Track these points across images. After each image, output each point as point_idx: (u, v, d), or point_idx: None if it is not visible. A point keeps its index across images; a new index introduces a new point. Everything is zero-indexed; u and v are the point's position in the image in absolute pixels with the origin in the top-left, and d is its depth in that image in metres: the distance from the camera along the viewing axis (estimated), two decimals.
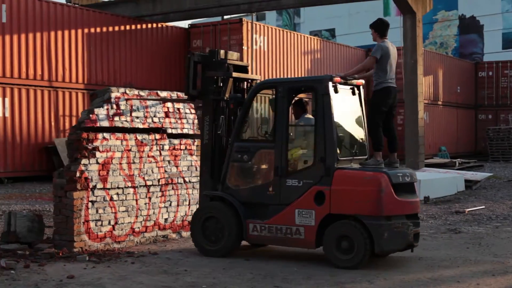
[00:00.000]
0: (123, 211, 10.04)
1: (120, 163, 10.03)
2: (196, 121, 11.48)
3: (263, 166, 9.43)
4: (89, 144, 9.58)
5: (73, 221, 9.31)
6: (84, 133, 9.59)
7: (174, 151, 10.94)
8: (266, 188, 9.19)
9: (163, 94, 11.08)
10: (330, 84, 8.93)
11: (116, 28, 23.49)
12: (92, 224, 9.54)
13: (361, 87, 9.55)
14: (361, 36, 43.25)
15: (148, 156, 10.51)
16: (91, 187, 9.53)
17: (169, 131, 10.98)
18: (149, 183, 10.47)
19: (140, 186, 10.32)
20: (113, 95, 10.09)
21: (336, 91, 8.98)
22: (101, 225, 9.69)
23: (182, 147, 11.09)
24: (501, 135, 34.32)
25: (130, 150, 10.20)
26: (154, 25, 25.08)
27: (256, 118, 9.86)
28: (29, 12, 20.49)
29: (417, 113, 23.05)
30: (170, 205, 10.82)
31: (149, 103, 10.72)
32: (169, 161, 10.87)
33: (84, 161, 9.49)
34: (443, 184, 18.57)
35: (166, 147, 10.85)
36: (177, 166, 10.97)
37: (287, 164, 9.09)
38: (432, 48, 44.38)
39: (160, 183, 10.67)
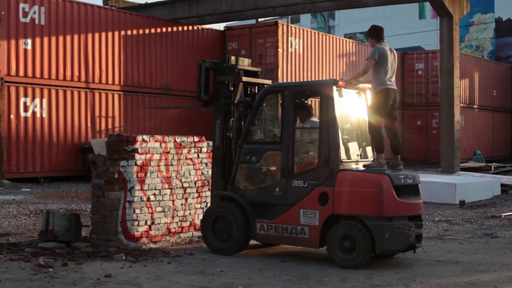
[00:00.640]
0: (160, 212, 10.13)
1: (158, 165, 10.13)
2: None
3: (271, 168, 9.65)
4: (129, 146, 9.69)
5: (110, 220, 9.42)
6: (124, 135, 9.72)
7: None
8: (273, 188, 9.44)
9: None
10: (335, 88, 9.15)
11: (152, 31, 23.64)
12: (129, 224, 9.64)
13: (368, 91, 9.62)
14: (396, 39, 43.02)
15: (186, 159, 10.61)
16: (128, 188, 9.63)
17: None
18: (185, 185, 10.56)
19: (177, 187, 10.41)
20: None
21: (340, 95, 9.18)
22: (138, 225, 9.78)
23: None
24: None
25: (168, 152, 10.31)
26: (190, 27, 25.19)
27: (265, 120, 10.06)
28: (67, 14, 20.71)
29: (453, 116, 22.89)
30: (206, 206, 10.87)
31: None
32: (206, 164, 10.95)
33: (123, 162, 9.61)
34: (478, 188, 18.44)
35: (204, 149, 10.94)
36: None
37: (293, 166, 9.28)
38: (468, 51, 44.01)
39: (196, 185, 10.75)
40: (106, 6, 26.30)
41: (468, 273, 8.60)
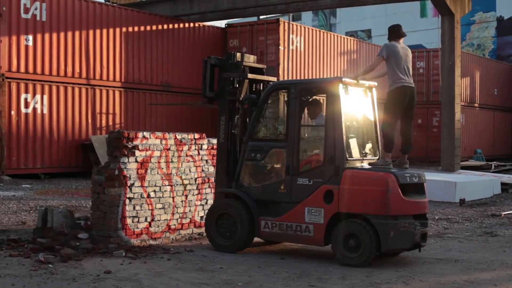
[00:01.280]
0: (160, 208, 10.14)
1: (159, 162, 10.13)
2: None
3: (276, 165, 9.65)
4: (129, 143, 9.70)
5: (111, 217, 9.44)
6: (125, 131, 9.73)
7: (213, 150, 11.02)
8: (278, 186, 9.42)
9: None
10: (341, 85, 9.12)
11: (154, 27, 23.63)
12: (129, 221, 9.65)
13: (374, 89, 9.60)
14: None
15: (187, 156, 10.61)
16: (129, 184, 9.63)
17: None
18: (186, 181, 10.56)
19: (177, 184, 10.41)
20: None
21: (346, 92, 9.15)
22: (138, 221, 9.79)
23: None
24: None
25: (169, 149, 10.31)
26: (191, 24, 25.18)
27: (270, 118, 10.05)
28: (68, 11, 20.70)
29: (453, 115, 22.88)
30: (206, 203, 10.89)
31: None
32: (206, 161, 10.95)
33: (123, 159, 9.61)
34: (479, 187, 18.45)
35: (205, 146, 10.94)
36: (214, 166, 11.04)
37: (298, 163, 9.26)
38: (469, 50, 43.98)
39: (196, 182, 10.75)
40: (107, 2, 26.27)
41: (468, 272, 8.60)
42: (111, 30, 22.01)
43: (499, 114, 36.90)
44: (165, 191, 10.23)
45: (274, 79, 10.89)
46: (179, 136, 10.52)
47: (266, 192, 9.56)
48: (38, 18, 19.84)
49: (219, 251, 9.57)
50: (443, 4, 22.67)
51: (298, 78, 25.06)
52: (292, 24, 25.67)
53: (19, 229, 11.07)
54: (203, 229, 10.78)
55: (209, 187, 10.94)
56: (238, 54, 10.37)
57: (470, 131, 33.05)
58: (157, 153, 10.10)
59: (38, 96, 19.75)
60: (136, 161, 9.78)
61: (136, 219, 9.75)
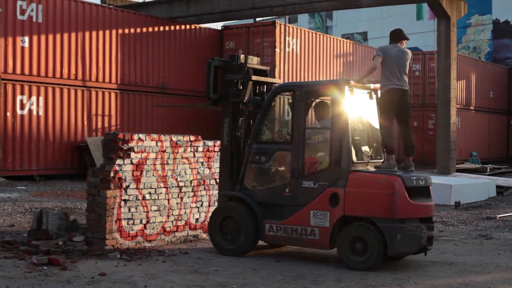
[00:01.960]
0: (155, 211, 10.13)
1: (154, 164, 10.12)
2: None
3: (280, 168, 9.58)
4: (125, 145, 9.68)
5: (106, 219, 9.41)
6: (121, 133, 9.71)
7: (208, 152, 11.02)
8: (283, 189, 9.33)
9: None
10: (347, 87, 9.06)
11: (150, 29, 23.65)
12: (124, 223, 9.64)
13: (378, 91, 9.59)
14: None
15: (182, 158, 10.60)
16: (124, 186, 9.63)
17: None
18: (181, 184, 10.55)
19: (173, 186, 10.40)
20: None
21: (352, 94, 9.09)
22: (133, 223, 9.78)
23: (216, 149, 11.16)
24: None
25: (164, 151, 10.30)
26: (188, 26, 25.20)
27: (275, 120, 9.95)
28: (65, 12, 20.72)
29: (449, 118, 22.92)
30: (202, 205, 10.89)
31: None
32: (202, 163, 10.95)
33: (118, 161, 9.60)
34: (474, 190, 18.46)
35: (200, 148, 10.93)
36: (209, 168, 11.05)
37: (304, 166, 9.20)
38: (465, 53, 44.05)
39: (192, 184, 10.75)
40: (103, 4, 26.26)
41: (462, 274, 8.61)
42: (107, 32, 22.02)
43: (494, 117, 36.96)
44: (161, 193, 10.22)
45: (278, 81, 10.81)
46: (174, 138, 10.51)
47: (270, 195, 9.46)
48: (34, 19, 19.86)
49: (223, 254, 9.47)
50: (439, 7, 22.72)
51: (294, 80, 25.07)
52: (289, 27, 25.70)
53: (14, 231, 11.06)
54: (198, 231, 10.80)
55: (204, 189, 10.94)
56: (242, 56, 10.25)
57: (466, 134, 33.10)
58: (152, 155, 10.09)
59: (34, 98, 19.76)
60: (132, 163, 9.77)
61: (131, 221, 9.74)
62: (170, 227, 10.38)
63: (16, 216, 12.73)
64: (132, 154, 9.78)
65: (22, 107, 19.51)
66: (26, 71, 19.64)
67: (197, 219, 10.81)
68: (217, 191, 11.05)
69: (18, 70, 19.47)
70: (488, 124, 36.19)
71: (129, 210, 9.72)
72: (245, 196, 9.57)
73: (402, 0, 27.01)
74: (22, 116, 19.51)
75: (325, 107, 9.93)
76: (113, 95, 22.12)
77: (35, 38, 19.90)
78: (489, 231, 12.60)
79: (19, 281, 7.53)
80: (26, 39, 19.68)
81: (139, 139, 9.91)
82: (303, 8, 25.92)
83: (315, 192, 9.01)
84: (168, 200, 10.34)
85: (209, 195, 11.02)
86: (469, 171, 25.56)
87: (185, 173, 10.65)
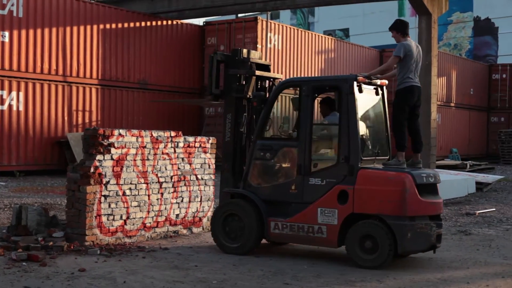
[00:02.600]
0: (135, 206, 10.11)
1: (135, 160, 10.09)
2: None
3: (286, 165, 9.39)
4: (105, 140, 9.65)
5: (86, 215, 9.38)
6: (101, 129, 9.68)
7: (189, 148, 11.00)
8: (289, 186, 9.17)
9: None
10: (355, 83, 8.91)
11: (131, 25, 23.58)
12: (104, 219, 9.61)
13: (384, 87, 9.56)
14: (375, 36, 43.23)
15: (163, 153, 10.56)
16: (104, 182, 9.60)
17: None
18: (161, 179, 10.53)
19: (153, 182, 10.38)
20: None
21: (360, 90, 8.97)
22: (113, 219, 9.76)
23: (197, 144, 11.14)
24: None
25: (145, 147, 10.26)
26: (169, 22, 25.15)
27: (277, 116, 9.81)
28: (45, 7, 20.61)
29: (429, 114, 23.01)
30: (182, 201, 10.88)
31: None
32: (182, 158, 10.92)
33: (99, 156, 9.56)
34: (453, 186, 18.53)
35: (181, 144, 10.91)
36: (190, 164, 11.03)
37: (310, 163, 9.07)
38: (446, 50, 44.30)
39: (172, 180, 10.73)
40: None
41: (442, 270, 8.66)
42: (88, 27, 21.94)
43: (474, 114, 37.19)
44: (141, 189, 10.20)
45: (281, 76, 10.72)
46: (155, 134, 10.48)
47: (276, 192, 9.30)
48: (14, 14, 19.73)
49: (226, 253, 9.32)
50: (420, 4, 22.80)
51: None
52: (270, 23, 25.71)
53: None
54: (178, 227, 10.78)
55: (185, 185, 10.93)
56: (245, 50, 10.09)
57: (446, 131, 33.28)
58: (133, 151, 10.07)
59: (14, 93, 19.64)
60: (112, 159, 9.74)
61: (111, 217, 9.72)
62: (150, 223, 10.36)
63: None
64: (113, 150, 9.75)
65: (2, 102, 19.40)
66: (6, 66, 19.53)
67: (177, 215, 10.80)
68: (197, 187, 11.08)
69: None
70: (468, 121, 36.40)
71: (109, 205, 9.69)
72: (249, 193, 9.39)
73: None
74: (2, 111, 19.39)
75: (330, 103, 9.87)
76: (94, 90, 22.04)
77: (15, 33, 19.78)
78: (468, 227, 12.69)
79: None
80: (6, 33, 19.56)
81: (120, 134, 9.88)
82: (285, 4, 25.93)
83: (322, 189, 8.87)
84: (149, 195, 10.32)
85: (189, 191, 11.00)
86: (449, 167, 25.68)
87: (166, 169, 10.63)
